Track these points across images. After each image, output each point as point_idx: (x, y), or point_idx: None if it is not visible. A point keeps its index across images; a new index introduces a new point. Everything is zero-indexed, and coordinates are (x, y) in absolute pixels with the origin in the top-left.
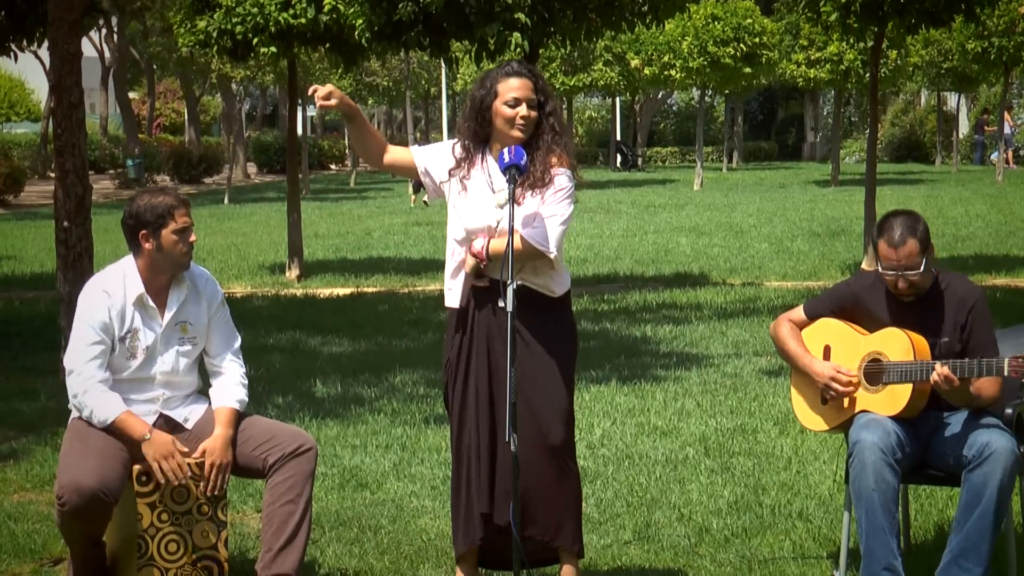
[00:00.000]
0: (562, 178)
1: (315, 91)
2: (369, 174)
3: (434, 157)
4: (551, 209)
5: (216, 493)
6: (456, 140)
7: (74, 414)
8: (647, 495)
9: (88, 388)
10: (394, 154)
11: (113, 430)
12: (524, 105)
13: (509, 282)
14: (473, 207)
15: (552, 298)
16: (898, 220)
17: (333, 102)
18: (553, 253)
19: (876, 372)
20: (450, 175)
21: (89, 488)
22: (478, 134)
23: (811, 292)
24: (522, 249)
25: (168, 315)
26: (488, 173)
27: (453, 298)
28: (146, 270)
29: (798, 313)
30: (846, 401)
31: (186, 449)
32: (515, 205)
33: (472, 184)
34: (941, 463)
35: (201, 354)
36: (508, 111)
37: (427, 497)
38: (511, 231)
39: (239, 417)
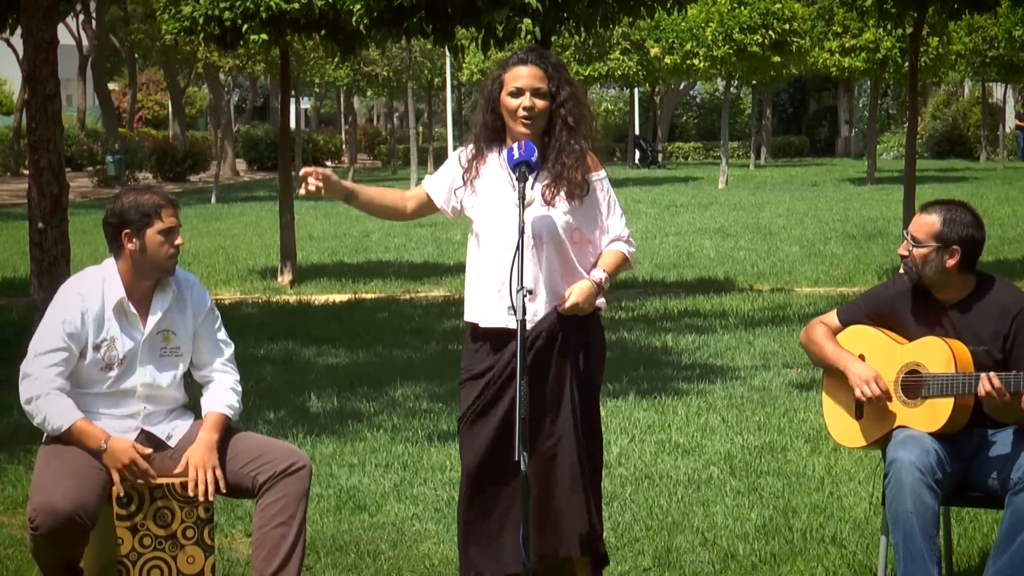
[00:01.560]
0: (607, 181)
1: (306, 176)
2: (368, 171)
3: (445, 178)
4: (618, 221)
5: (206, 498)
6: (462, 149)
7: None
8: (668, 518)
9: (41, 393)
10: (414, 200)
11: (70, 439)
12: (527, 95)
13: (519, 289)
14: (489, 207)
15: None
16: (945, 201)
17: (322, 191)
18: (631, 256)
19: (914, 384)
20: (464, 183)
21: (64, 510)
22: (490, 129)
23: (845, 299)
24: (624, 265)
25: (151, 323)
26: (507, 170)
27: (488, 316)
28: (128, 273)
29: (831, 319)
30: (884, 415)
31: (149, 450)
32: (548, 207)
33: (485, 184)
34: (984, 484)
35: (188, 367)
36: (511, 102)
37: (430, 520)
38: (521, 232)
39: (228, 424)
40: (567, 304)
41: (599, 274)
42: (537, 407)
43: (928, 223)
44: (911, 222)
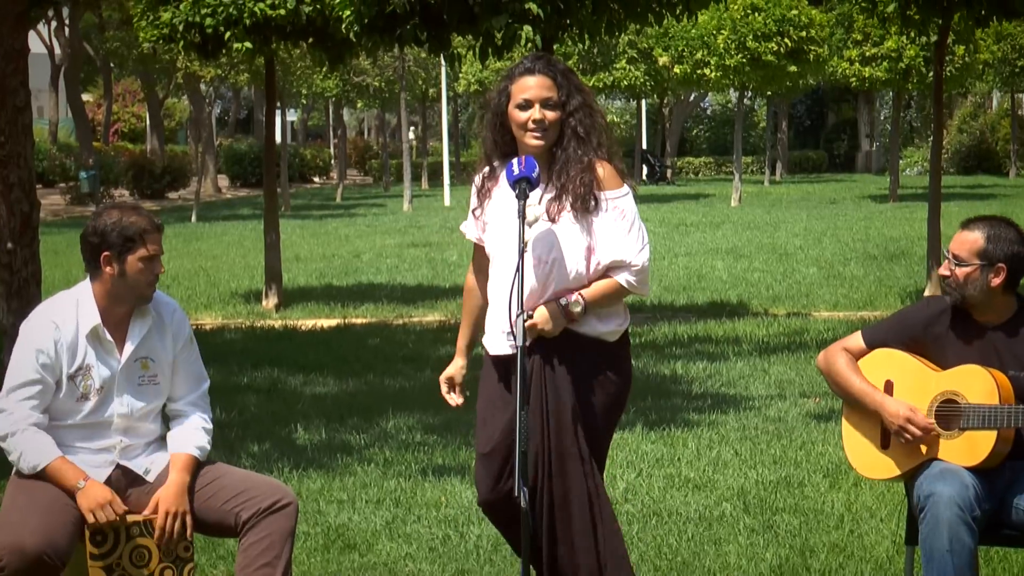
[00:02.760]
0: (626, 200)
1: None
2: (359, 187)
3: (471, 212)
4: (633, 243)
5: (172, 544)
6: (477, 173)
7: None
8: (677, 558)
9: (18, 429)
10: (477, 264)
11: (45, 478)
12: (537, 107)
13: (519, 314)
14: (496, 228)
15: (609, 343)
16: (987, 217)
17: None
18: (649, 292)
19: (951, 415)
20: (480, 206)
21: (33, 549)
22: (500, 145)
23: (866, 324)
24: (616, 295)
25: (128, 350)
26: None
27: (493, 343)
28: (104, 297)
29: (855, 341)
30: (915, 445)
31: (123, 507)
32: (551, 222)
33: (496, 204)
34: (1020, 521)
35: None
36: (519, 115)
37: (424, 560)
38: (521, 254)
39: (198, 466)
40: (527, 324)
41: (570, 297)
42: (540, 439)
43: (971, 240)
44: (952, 240)
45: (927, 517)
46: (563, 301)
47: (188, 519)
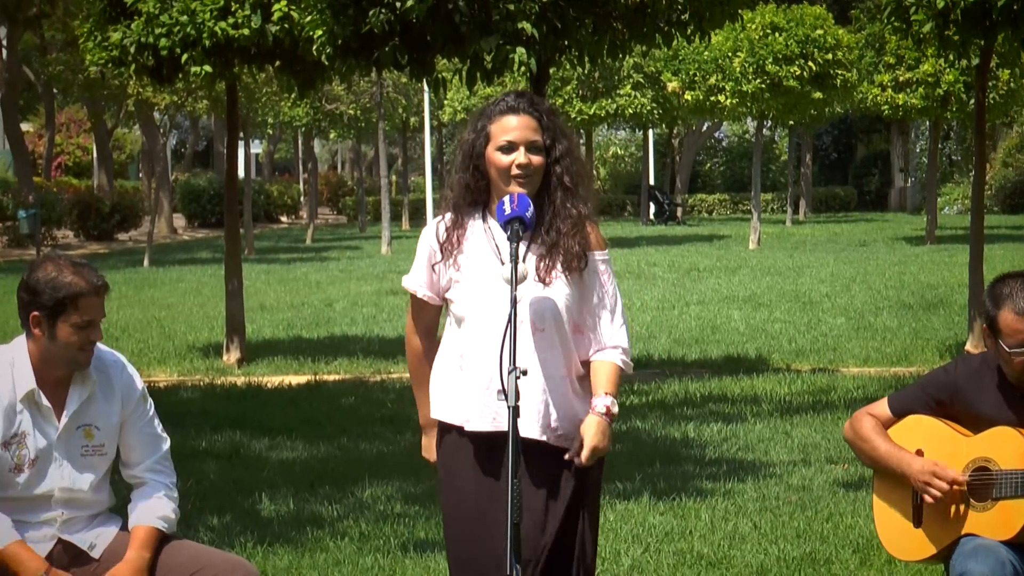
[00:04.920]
0: (609, 265)
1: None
2: (331, 228)
3: (421, 261)
4: (617, 324)
5: None
6: (436, 220)
7: None
8: None
9: None
10: (420, 324)
11: None
12: (521, 150)
13: (511, 370)
14: (474, 285)
15: None
16: (1021, 283)
17: None
18: (631, 369)
19: (984, 484)
20: (443, 256)
21: None
22: (472, 189)
23: (900, 381)
24: (620, 380)
25: (66, 417)
26: (493, 238)
27: (477, 417)
28: (37, 359)
29: (881, 408)
30: (948, 521)
31: None
32: (544, 285)
33: (469, 258)
34: None
35: (113, 464)
36: (501, 159)
37: None
38: (513, 304)
39: (162, 540)
40: (584, 454)
41: (605, 401)
42: (532, 512)
43: None
44: (1003, 322)
45: None
46: (602, 409)
47: None
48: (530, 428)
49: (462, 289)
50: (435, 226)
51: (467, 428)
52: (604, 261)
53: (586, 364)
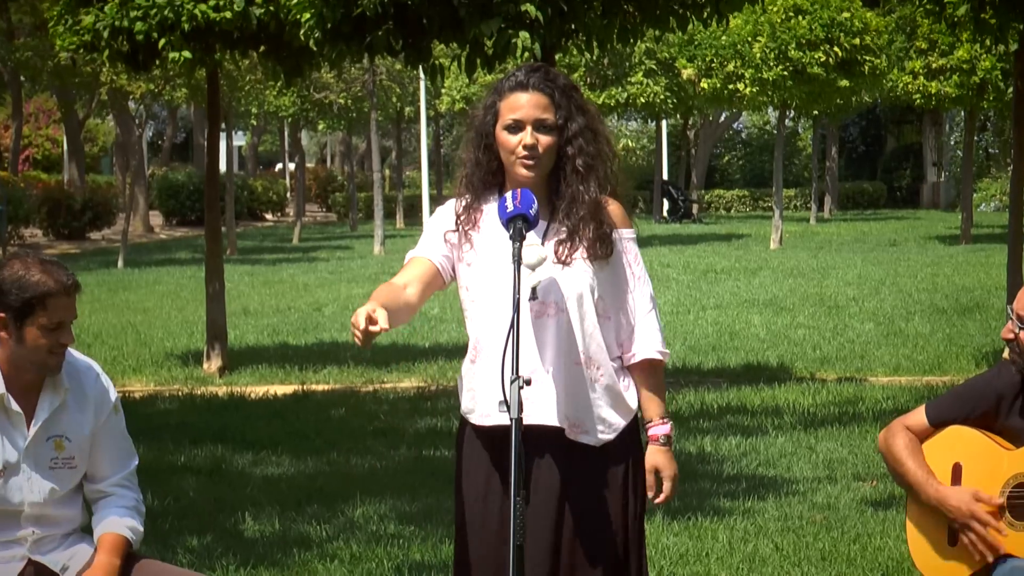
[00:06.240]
0: (632, 242)
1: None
2: (320, 226)
3: (435, 232)
4: (647, 306)
5: None
6: (452, 199)
7: None
8: None
9: None
10: (414, 280)
11: None
12: (529, 129)
13: (513, 378)
14: (488, 270)
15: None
16: None
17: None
18: (667, 356)
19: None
20: (458, 232)
21: None
22: (484, 170)
23: (933, 392)
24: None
25: (35, 426)
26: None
27: (482, 410)
28: (6, 363)
29: (918, 418)
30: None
31: None
32: (563, 266)
33: (484, 240)
34: None
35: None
36: (508, 138)
37: None
38: (516, 307)
39: (129, 550)
40: (667, 489)
41: (664, 429)
42: (538, 533)
43: None
44: (1017, 297)
45: None
46: (664, 440)
47: None
48: (546, 414)
49: (476, 274)
50: (452, 203)
51: (472, 420)
52: (630, 239)
53: (610, 350)
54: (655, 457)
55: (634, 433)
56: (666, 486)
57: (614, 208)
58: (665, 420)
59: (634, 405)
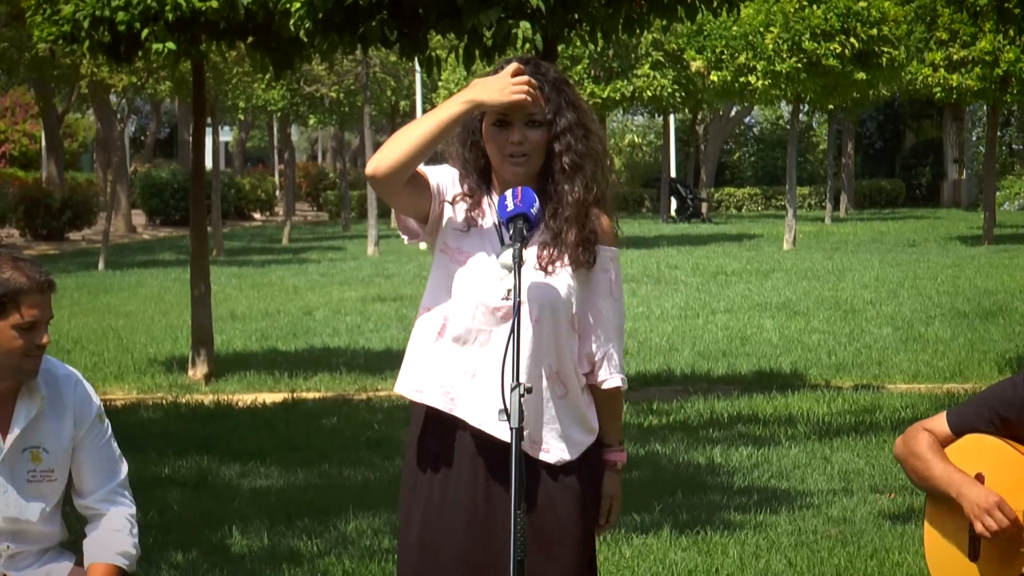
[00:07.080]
0: (613, 262)
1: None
2: (311, 226)
3: (443, 171)
4: (620, 320)
5: None
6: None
7: None
8: None
9: None
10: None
11: None
12: (518, 126)
13: (513, 384)
14: (472, 263)
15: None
16: None
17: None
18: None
19: None
20: (454, 203)
21: None
22: (473, 167)
23: (954, 399)
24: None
25: (11, 437)
26: (497, 222)
27: (413, 383)
28: None
29: (939, 424)
30: (1009, 556)
31: None
32: (544, 273)
33: (484, 228)
34: None
35: (66, 492)
36: (496, 135)
37: None
38: (516, 312)
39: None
40: (612, 519)
41: (622, 457)
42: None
43: None
44: None
45: None
46: (619, 464)
47: None
48: (502, 427)
49: (455, 253)
50: (455, 173)
51: (419, 400)
52: (611, 259)
53: (578, 367)
54: (612, 485)
55: (593, 455)
56: (612, 516)
57: (604, 222)
58: (623, 447)
59: (596, 426)
